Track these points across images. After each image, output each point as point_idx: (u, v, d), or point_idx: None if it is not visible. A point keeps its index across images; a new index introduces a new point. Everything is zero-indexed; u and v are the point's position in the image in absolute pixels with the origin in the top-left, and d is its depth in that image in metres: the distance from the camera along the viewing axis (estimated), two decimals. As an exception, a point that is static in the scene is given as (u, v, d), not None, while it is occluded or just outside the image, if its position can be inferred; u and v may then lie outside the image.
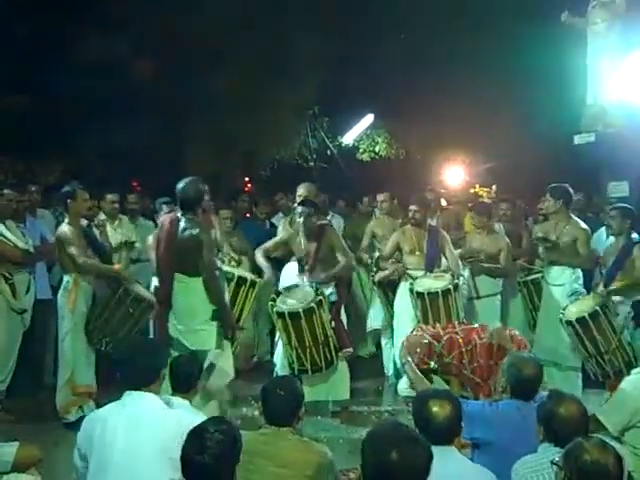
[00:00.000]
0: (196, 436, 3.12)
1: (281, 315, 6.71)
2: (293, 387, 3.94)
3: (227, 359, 6.27)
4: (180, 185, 6.00)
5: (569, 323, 6.90)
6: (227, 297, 6.32)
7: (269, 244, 7.56)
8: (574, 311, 6.96)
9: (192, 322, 6.02)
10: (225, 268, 6.72)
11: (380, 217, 8.89)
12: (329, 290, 7.09)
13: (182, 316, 6.06)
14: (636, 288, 7.06)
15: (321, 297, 6.73)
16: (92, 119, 12.33)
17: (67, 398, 6.67)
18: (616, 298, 7.16)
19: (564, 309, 7.08)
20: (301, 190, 7.71)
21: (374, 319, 8.44)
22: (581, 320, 6.81)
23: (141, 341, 5.71)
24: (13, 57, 11.51)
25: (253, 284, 6.98)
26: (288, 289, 7.00)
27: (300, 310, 6.63)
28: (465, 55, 13.15)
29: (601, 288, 7.19)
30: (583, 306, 6.96)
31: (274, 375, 6.80)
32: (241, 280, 6.94)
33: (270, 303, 6.85)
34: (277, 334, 7.21)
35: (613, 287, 7.08)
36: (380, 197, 8.83)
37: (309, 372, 6.77)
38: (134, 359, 4.05)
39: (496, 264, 7.96)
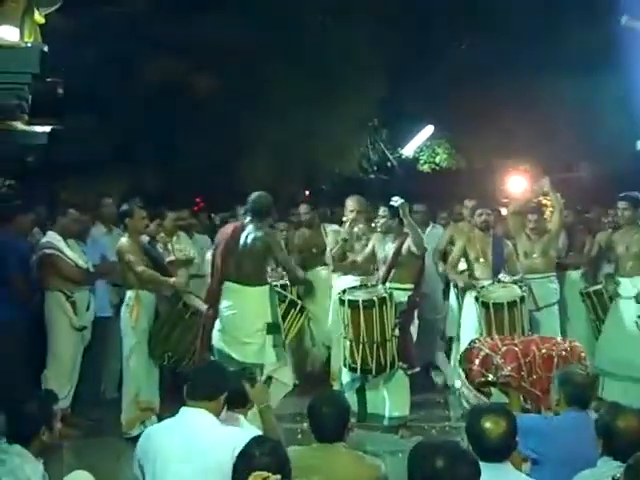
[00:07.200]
0: (246, 458, 3.02)
1: (342, 302, 6.76)
2: (338, 402, 3.91)
3: (286, 371, 6.40)
4: (254, 195, 6.27)
5: None
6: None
7: (362, 259, 7.42)
8: None
9: (240, 334, 6.12)
10: (279, 289, 6.89)
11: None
12: (402, 299, 6.96)
13: (229, 328, 6.16)
14: None
15: (386, 295, 6.66)
16: (154, 138, 12.52)
17: (132, 414, 6.74)
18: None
19: None
20: (351, 203, 7.65)
21: (450, 327, 8.34)
22: None
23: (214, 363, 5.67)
24: (79, 77, 11.73)
25: (302, 310, 7.16)
26: (359, 286, 7.06)
27: (359, 300, 6.63)
28: (523, 65, 12.99)
29: None
30: None
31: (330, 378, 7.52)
32: (293, 303, 7.08)
33: (338, 294, 6.97)
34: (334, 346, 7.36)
35: None
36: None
37: (358, 371, 6.75)
38: (200, 374, 4.09)
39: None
